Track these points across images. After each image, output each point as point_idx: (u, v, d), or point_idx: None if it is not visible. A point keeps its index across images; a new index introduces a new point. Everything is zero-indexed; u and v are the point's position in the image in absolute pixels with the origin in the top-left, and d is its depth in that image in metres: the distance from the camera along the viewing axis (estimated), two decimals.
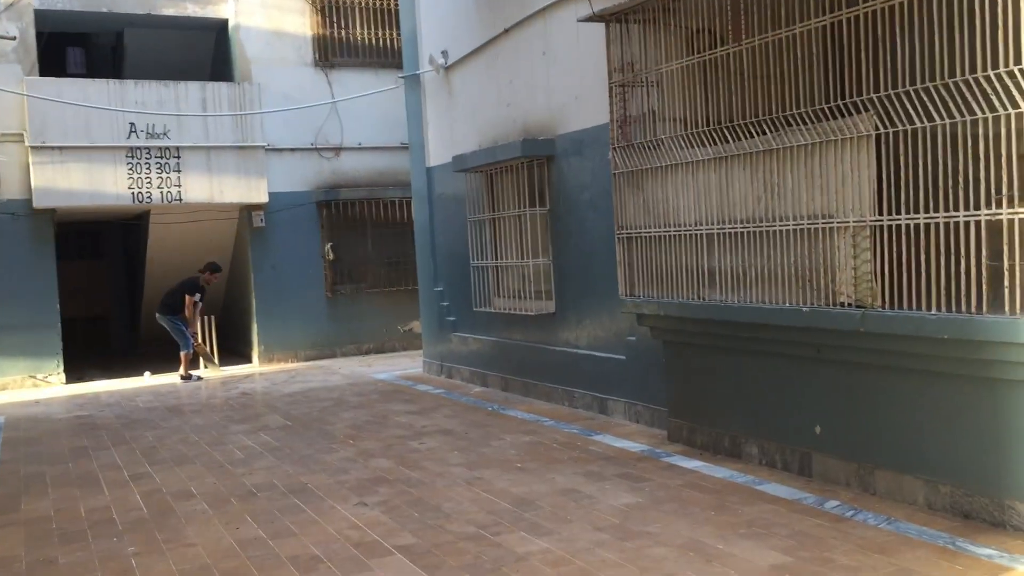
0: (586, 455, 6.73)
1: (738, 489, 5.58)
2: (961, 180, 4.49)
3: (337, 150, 14.24)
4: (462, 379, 10.88)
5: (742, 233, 5.84)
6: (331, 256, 14.18)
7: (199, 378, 12.68)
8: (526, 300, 9.34)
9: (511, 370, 9.78)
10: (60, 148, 12.37)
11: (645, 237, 6.70)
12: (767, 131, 5.58)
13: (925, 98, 4.58)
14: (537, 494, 5.74)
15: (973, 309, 4.44)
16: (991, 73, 4.25)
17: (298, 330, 14.08)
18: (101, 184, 12.60)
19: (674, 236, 6.42)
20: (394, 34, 14.06)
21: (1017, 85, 4.14)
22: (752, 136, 5.70)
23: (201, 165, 13.11)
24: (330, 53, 14.16)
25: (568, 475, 6.16)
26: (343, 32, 14.26)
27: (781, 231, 5.54)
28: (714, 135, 5.97)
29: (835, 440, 5.50)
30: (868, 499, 5.17)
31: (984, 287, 4.41)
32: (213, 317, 13.85)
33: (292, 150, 13.96)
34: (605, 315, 8.04)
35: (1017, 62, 4.14)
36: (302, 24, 14.02)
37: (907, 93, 4.67)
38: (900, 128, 4.76)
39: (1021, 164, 4.22)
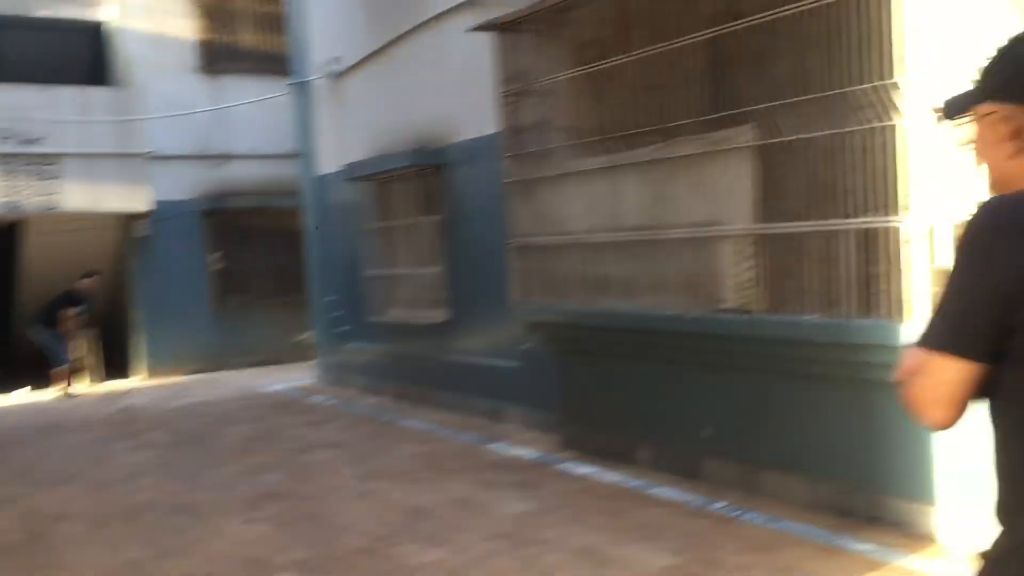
0: (481, 464, 6.73)
1: (630, 494, 5.67)
2: (836, 189, 4.68)
3: (224, 158, 13.88)
4: (356, 390, 10.74)
5: (632, 241, 5.95)
6: (219, 266, 13.82)
7: (78, 395, 12.16)
8: (420, 309, 9.30)
9: (406, 380, 9.71)
10: None
11: (538, 245, 6.76)
12: (655, 141, 5.70)
13: (803, 110, 4.76)
14: (432, 504, 5.71)
15: (848, 314, 4.63)
16: (863, 87, 4.45)
17: (185, 342, 13.64)
18: None
19: (566, 244, 6.50)
20: (282, 41, 13.79)
21: (888, 98, 4.34)
22: (641, 146, 5.81)
23: (80, 173, 12.59)
24: (216, 59, 13.81)
25: (463, 484, 6.15)
26: (230, 38, 13.93)
27: (669, 238, 5.67)
28: (604, 144, 6.07)
29: (723, 443, 5.64)
30: (755, 499, 5.32)
31: (858, 293, 4.61)
32: (96, 330, 13.31)
33: (177, 157, 13.54)
34: (499, 323, 8.06)
35: (888, 76, 4.34)
36: (186, 28, 13.63)
37: (785, 106, 4.85)
38: (779, 139, 4.93)
39: (891, 174, 4.42)
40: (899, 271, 4.33)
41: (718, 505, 5.26)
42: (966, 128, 1.62)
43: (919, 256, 4.28)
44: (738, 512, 5.11)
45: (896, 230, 4.34)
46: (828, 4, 4.55)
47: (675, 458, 5.99)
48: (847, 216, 4.63)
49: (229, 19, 13.95)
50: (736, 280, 5.26)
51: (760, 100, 5.02)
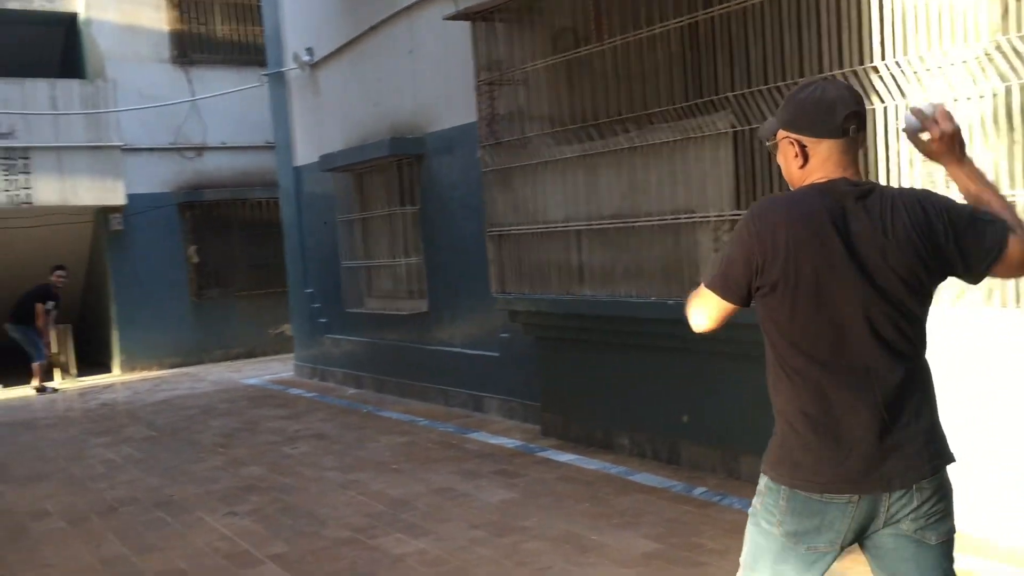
0: (462, 453, 6.73)
1: (611, 480, 5.69)
2: None
3: (199, 149, 13.76)
4: (336, 382, 10.71)
5: (609, 229, 5.96)
6: (195, 259, 13.71)
7: (54, 390, 12.06)
8: (399, 300, 9.27)
9: (386, 371, 9.69)
10: None
11: (516, 234, 6.75)
12: (631, 129, 5.70)
13: (778, 96, 4.77)
14: (413, 495, 5.70)
15: None
16: (837, 72, 4.46)
17: (162, 337, 13.54)
18: None
19: (544, 233, 6.49)
20: (257, 31, 13.69)
21: (859, 84, 4.36)
22: (617, 134, 5.81)
23: (52, 166, 12.44)
24: (189, 49, 13.68)
25: (444, 474, 6.15)
26: (202, 28, 13.79)
27: (646, 226, 5.67)
28: (580, 133, 6.06)
29: (702, 428, 5.67)
30: (734, 484, 5.36)
31: None
32: (70, 325, 13.19)
33: (151, 150, 13.42)
34: (478, 313, 8.06)
35: (860, 62, 4.36)
36: (158, 19, 13.48)
37: (760, 92, 4.86)
38: (755, 125, 4.94)
39: (871, 161, 4.44)
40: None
41: (698, 491, 5.29)
42: (773, 145, 2.25)
43: None
44: (718, 497, 5.14)
45: None
46: None
47: (655, 444, 6.01)
48: None
49: (202, 9, 13.81)
50: None
51: (737, 86, 5.03)
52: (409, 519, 5.21)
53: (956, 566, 2.19)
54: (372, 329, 9.88)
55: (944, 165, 2.20)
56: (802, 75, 4.65)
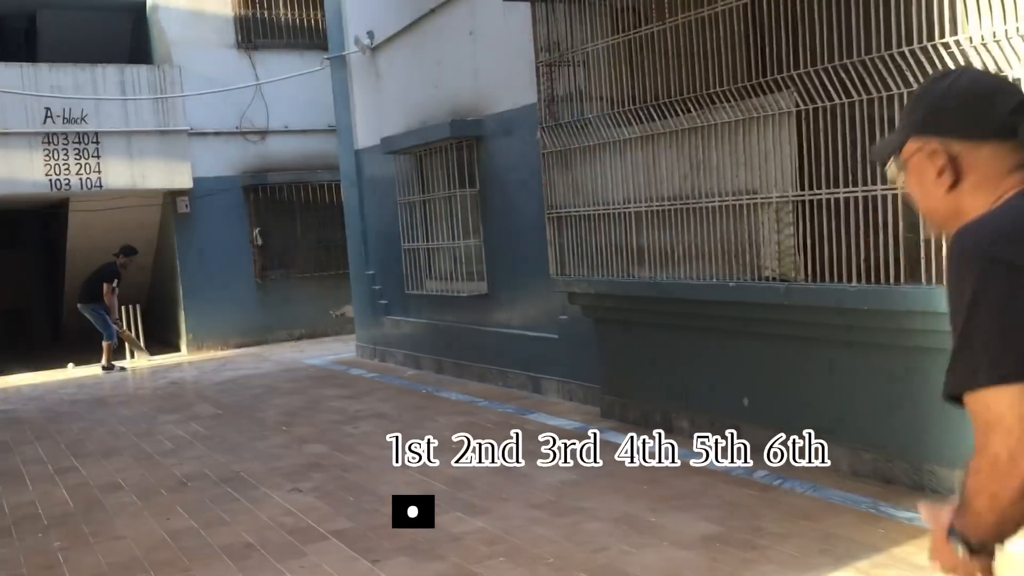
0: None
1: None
2: None
3: (263, 133, 13.98)
4: (396, 362, 10.84)
5: (669, 210, 5.91)
6: (259, 241, 13.96)
7: (123, 368, 12.40)
8: (458, 281, 9.33)
9: (444, 352, 9.77)
10: None
11: (575, 216, 6.74)
12: (692, 109, 5.64)
13: (843, 75, 4.68)
14: (473, 474, 5.76)
15: (891, 280, 4.57)
16: (905, 49, 4.36)
17: (227, 317, 13.84)
18: (16, 172, 12.19)
19: (603, 215, 6.47)
20: (319, 15, 13.82)
21: (930, 60, 4.26)
22: (678, 114, 5.76)
23: (122, 150, 12.76)
24: (253, 34, 13.87)
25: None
26: (266, 13, 13.98)
27: (707, 207, 5.62)
28: (640, 113, 6.02)
29: (762, 411, 5.62)
30: (795, 468, 5.30)
31: (901, 259, 4.54)
32: (138, 305, 13.54)
33: (216, 134, 13.67)
34: (537, 295, 8.08)
35: (930, 38, 4.25)
36: (223, 5, 13.69)
37: (825, 70, 4.77)
38: (819, 105, 4.86)
39: None
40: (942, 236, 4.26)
41: (759, 474, 5.25)
42: (897, 173, 1.65)
43: None
44: (779, 480, 5.10)
45: None
46: None
47: (715, 426, 5.97)
48: (888, 182, 4.55)
49: None
50: (776, 248, 5.21)
51: (799, 65, 4.94)
52: (468, 498, 5.26)
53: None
54: (432, 310, 9.96)
55: None
56: (868, 53, 4.55)
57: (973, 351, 1.38)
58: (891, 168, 1.65)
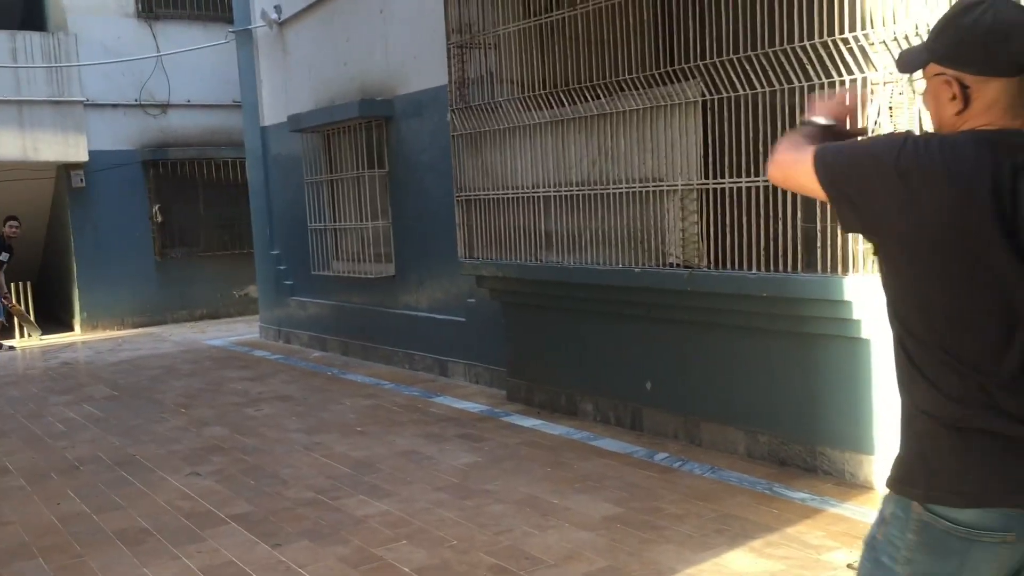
0: (426, 417, 6.75)
1: (574, 445, 5.74)
2: None
3: (164, 107, 13.53)
4: (301, 344, 10.67)
5: (577, 196, 5.96)
6: (159, 218, 13.55)
7: (12, 348, 11.90)
8: (365, 263, 9.24)
9: (351, 334, 9.67)
10: None
11: (484, 199, 6.74)
12: (601, 96, 5.69)
13: (748, 67, 4.78)
14: (377, 457, 5.72)
15: (790, 268, 4.70)
16: (807, 44, 4.48)
17: (125, 296, 13.40)
18: None
19: (512, 199, 6.48)
20: None
21: (830, 56, 4.38)
22: (587, 100, 5.80)
23: (12, 120, 12.19)
24: (154, 3, 13.39)
25: (408, 437, 6.17)
26: None
27: (614, 194, 5.69)
28: (551, 98, 6.04)
29: (664, 395, 5.73)
30: (694, 450, 5.44)
31: (800, 248, 4.68)
32: (29, 283, 13.00)
33: (114, 106, 13.18)
34: (445, 277, 8.05)
35: (830, 34, 4.37)
36: None
37: (731, 61, 4.86)
38: (724, 95, 4.95)
39: None
40: (837, 227, 4.39)
41: (659, 456, 5.36)
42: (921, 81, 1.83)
43: None
44: (679, 463, 5.21)
45: None
46: None
47: (618, 410, 6.07)
48: None
49: None
50: (681, 235, 5.30)
51: (706, 56, 5.03)
52: (372, 481, 5.23)
53: None
54: (338, 292, 9.84)
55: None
56: (772, 46, 4.66)
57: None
58: (912, 79, 1.86)
